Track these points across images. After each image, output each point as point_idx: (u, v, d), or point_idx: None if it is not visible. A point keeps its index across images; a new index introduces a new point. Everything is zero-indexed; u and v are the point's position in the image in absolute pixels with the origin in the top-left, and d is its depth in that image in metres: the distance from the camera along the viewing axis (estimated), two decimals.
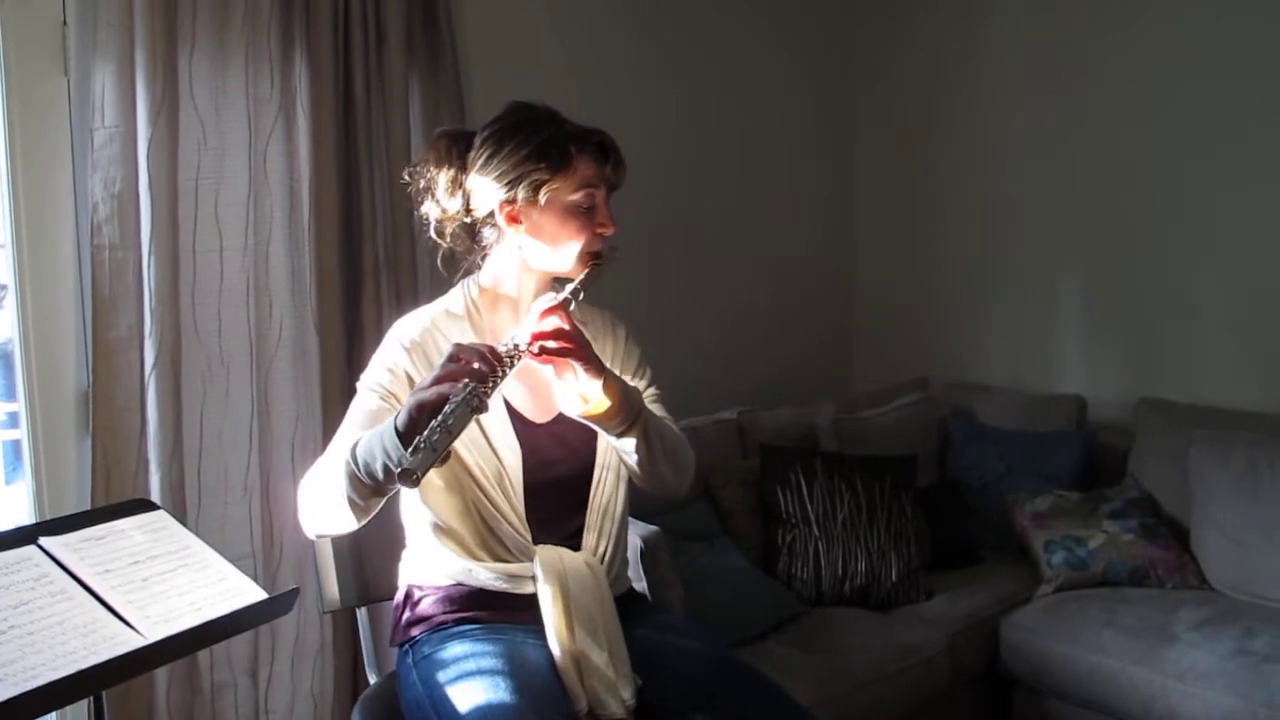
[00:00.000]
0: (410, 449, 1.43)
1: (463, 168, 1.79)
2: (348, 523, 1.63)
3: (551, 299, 1.70)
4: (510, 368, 1.58)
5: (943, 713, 2.87)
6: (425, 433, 1.44)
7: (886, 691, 2.63)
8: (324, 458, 1.66)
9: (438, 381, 1.50)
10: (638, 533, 2.42)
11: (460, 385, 1.49)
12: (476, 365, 1.52)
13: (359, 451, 1.55)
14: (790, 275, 4.08)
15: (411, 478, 1.42)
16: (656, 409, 1.87)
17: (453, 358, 1.54)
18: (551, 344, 1.61)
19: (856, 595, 2.91)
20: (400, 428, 1.49)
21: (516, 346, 1.61)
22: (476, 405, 1.48)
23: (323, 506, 1.63)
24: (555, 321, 1.64)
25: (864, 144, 4.24)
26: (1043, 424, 3.48)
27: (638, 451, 1.73)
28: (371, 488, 1.55)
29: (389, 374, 1.73)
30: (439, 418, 1.45)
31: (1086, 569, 2.96)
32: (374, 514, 1.64)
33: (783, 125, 4.01)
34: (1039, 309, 3.77)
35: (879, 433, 3.39)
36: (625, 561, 1.93)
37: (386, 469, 1.49)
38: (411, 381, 1.71)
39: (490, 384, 1.53)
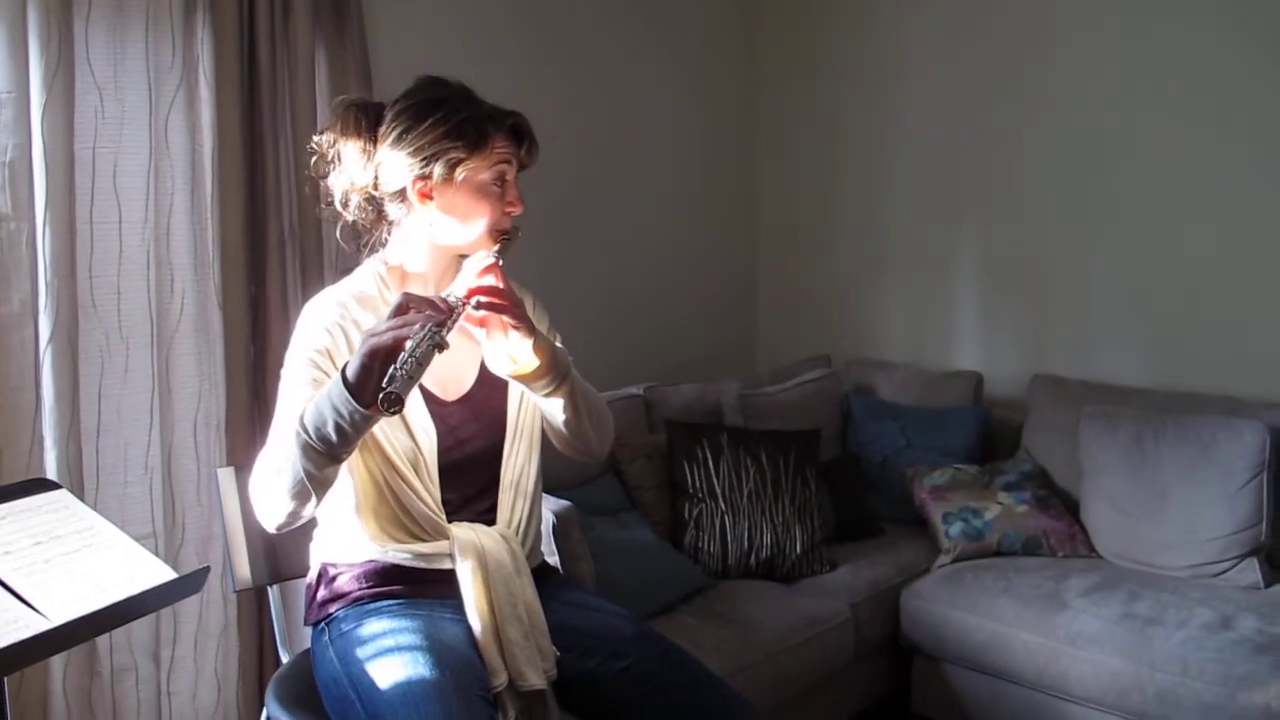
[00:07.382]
0: (386, 380, 1.44)
1: (372, 140, 1.77)
2: (308, 502, 1.60)
3: (485, 257, 1.71)
4: (457, 318, 1.59)
5: (846, 681, 2.95)
6: (396, 364, 1.45)
7: (793, 661, 2.69)
8: (266, 448, 1.64)
9: (392, 328, 1.50)
10: (550, 507, 2.44)
11: (418, 327, 1.49)
12: (429, 312, 1.53)
13: (307, 420, 1.53)
14: (694, 255, 4.11)
15: (397, 401, 1.42)
16: None
17: (403, 307, 1.54)
18: (488, 300, 1.62)
19: (762, 568, 2.96)
20: (351, 377, 1.49)
21: (455, 300, 1.62)
22: (439, 343, 1.49)
23: (279, 493, 1.59)
24: (492, 280, 1.66)
25: (768, 125, 4.28)
26: (941, 399, 3.58)
27: (565, 411, 1.75)
28: (327, 455, 1.53)
29: (316, 355, 1.70)
30: (405, 351, 1.46)
31: (982, 540, 3.07)
32: (330, 488, 1.62)
33: (688, 105, 4.03)
34: (938, 289, 3.87)
35: (783, 408, 3.45)
36: (539, 534, 1.94)
37: (339, 427, 1.49)
38: (335, 362, 1.69)
39: (446, 327, 1.53)
